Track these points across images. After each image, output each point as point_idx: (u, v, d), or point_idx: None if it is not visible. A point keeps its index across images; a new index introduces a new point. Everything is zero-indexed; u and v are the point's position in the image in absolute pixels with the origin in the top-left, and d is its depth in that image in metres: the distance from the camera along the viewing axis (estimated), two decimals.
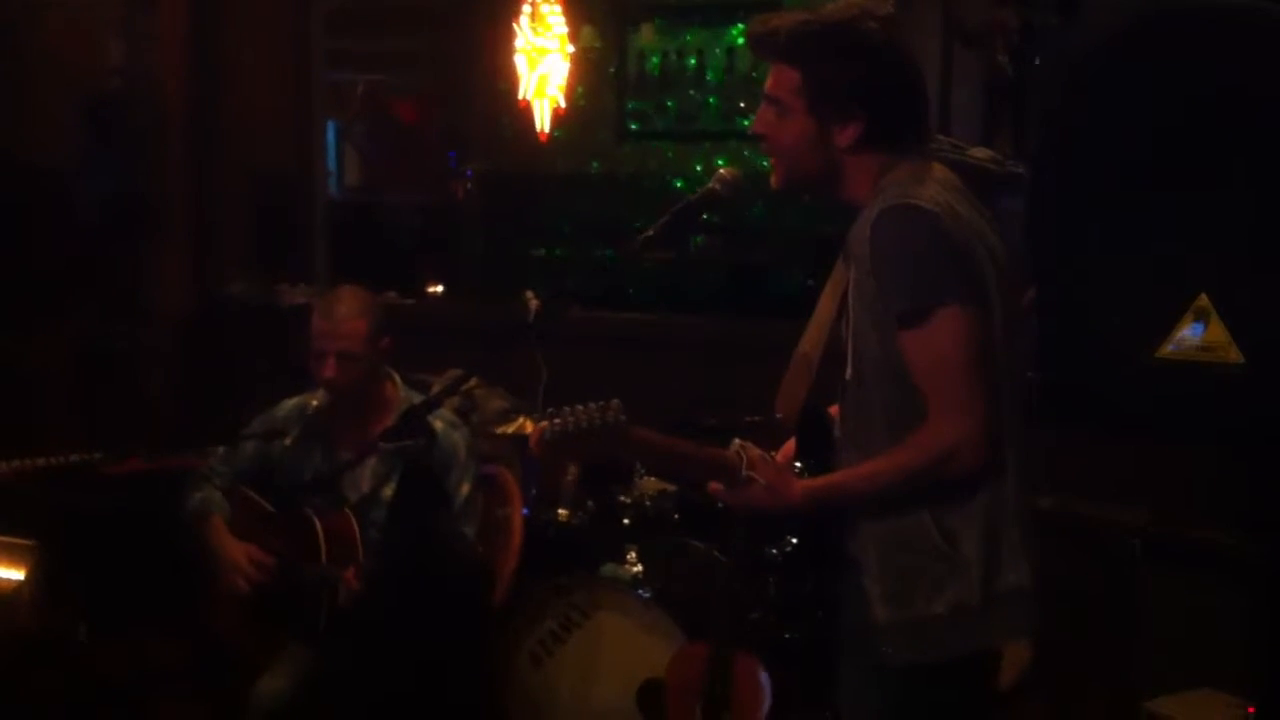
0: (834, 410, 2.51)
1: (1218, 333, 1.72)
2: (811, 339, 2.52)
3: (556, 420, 2.17)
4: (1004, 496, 2.30)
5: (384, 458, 3.46)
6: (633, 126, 6.72)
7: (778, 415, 2.53)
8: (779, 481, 2.32)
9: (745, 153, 6.42)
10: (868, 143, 2.34)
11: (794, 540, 2.53)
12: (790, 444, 2.55)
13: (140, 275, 5.70)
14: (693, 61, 6.60)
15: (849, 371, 2.35)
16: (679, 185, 6.36)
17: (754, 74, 6.54)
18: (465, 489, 3.53)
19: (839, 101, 2.33)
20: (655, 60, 6.67)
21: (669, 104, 6.66)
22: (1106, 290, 2.14)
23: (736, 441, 2.36)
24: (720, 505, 2.68)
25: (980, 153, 2.48)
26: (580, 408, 2.17)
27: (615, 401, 2.18)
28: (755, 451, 2.34)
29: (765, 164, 2.48)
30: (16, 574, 3.77)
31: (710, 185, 2.56)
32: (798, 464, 2.46)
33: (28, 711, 4.02)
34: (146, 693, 4.40)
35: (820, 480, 2.37)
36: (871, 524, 2.34)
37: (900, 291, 2.24)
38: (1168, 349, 1.77)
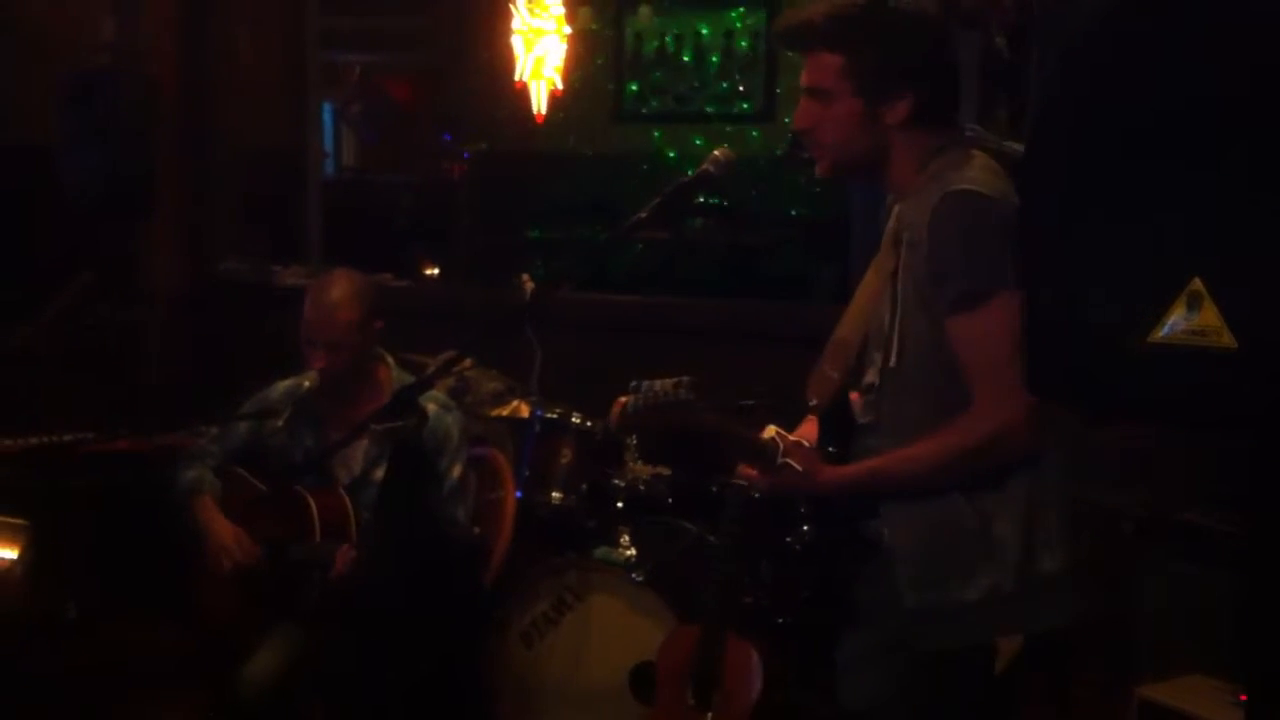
0: (853, 397, 2.52)
1: (1211, 317, 1.70)
2: (850, 324, 2.51)
3: (637, 395, 2.24)
4: (1044, 482, 2.30)
5: (376, 440, 3.46)
6: (629, 109, 6.72)
7: (811, 401, 2.52)
8: (813, 467, 2.34)
9: (740, 135, 6.42)
10: (916, 121, 2.35)
11: (815, 525, 2.55)
12: (810, 428, 2.54)
13: (133, 255, 5.68)
14: (690, 44, 6.59)
15: (892, 357, 2.35)
16: (675, 167, 6.35)
17: (754, 54, 6.54)
18: (456, 471, 3.53)
19: (887, 79, 2.34)
20: (652, 43, 6.66)
21: (666, 86, 6.65)
22: (1099, 273, 2.13)
23: (772, 427, 2.38)
24: (725, 486, 2.69)
25: (1016, 145, 2.49)
26: (657, 383, 2.24)
27: (686, 379, 2.23)
28: (791, 438, 2.36)
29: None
30: (8, 553, 3.76)
31: (704, 167, 2.55)
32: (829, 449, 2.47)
33: (17, 690, 4.01)
34: (137, 671, 4.40)
35: (856, 466, 2.38)
36: (904, 507, 2.35)
37: (959, 275, 2.24)
38: (1160, 333, 1.75)
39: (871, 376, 2.44)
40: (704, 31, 6.56)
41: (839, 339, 2.52)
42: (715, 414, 2.30)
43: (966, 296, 2.24)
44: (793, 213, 6.42)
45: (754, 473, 2.41)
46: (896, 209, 2.46)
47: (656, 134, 6.73)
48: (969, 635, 2.31)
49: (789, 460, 2.33)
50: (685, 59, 6.59)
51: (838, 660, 2.66)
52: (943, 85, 2.40)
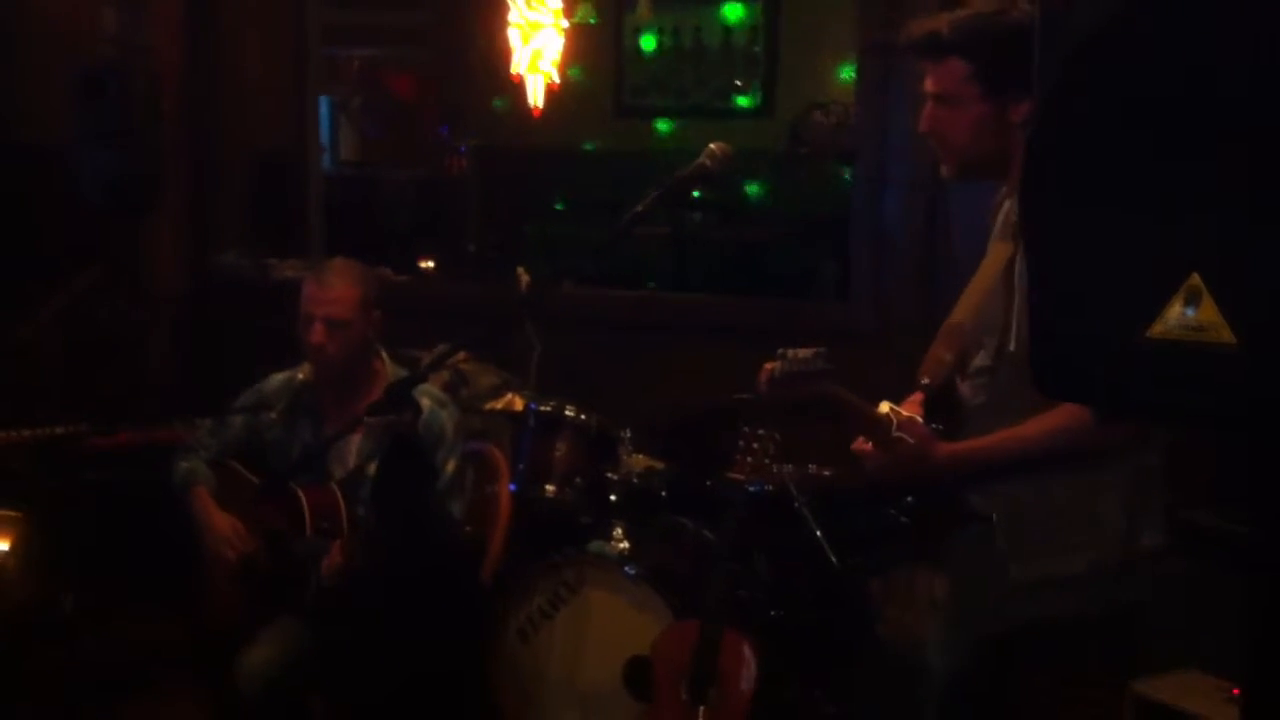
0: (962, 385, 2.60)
1: (1210, 313, 1.69)
2: (966, 310, 2.59)
3: (783, 362, 2.34)
4: (1149, 460, 2.41)
5: (370, 435, 3.45)
6: (628, 103, 6.71)
7: (924, 380, 2.60)
8: (927, 442, 2.44)
9: (740, 130, 6.41)
10: None
11: (918, 496, 2.62)
12: (914, 407, 2.62)
13: (135, 250, 5.67)
14: (688, 39, 6.58)
15: (1011, 342, 2.41)
16: (674, 162, 6.34)
17: (754, 49, 6.53)
18: (451, 466, 3.52)
19: (1014, 82, 2.41)
20: (651, 37, 6.65)
21: (664, 81, 6.64)
22: (1098, 270, 2.13)
23: (886, 404, 2.48)
24: (727, 487, 2.71)
25: None
26: (801, 352, 2.35)
27: (824, 350, 2.36)
28: (905, 414, 2.46)
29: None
30: (2, 545, 3.76)
31: (700, 160, 2.58)
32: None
33: (14, 683, 4.01)
34: (135, 665, 4.40)
35: (972, 443, 2.47)
36: (1010, 483, 2.43)
37: None
38: (1159, 330, 1.75)
39: (982, 360, 2.53)
40: (703, 26, 6.55)
41: (953, 323, 2.61)
42: (841, 387, 2.40)
43: None
44: (792, 208, 6.41)
45: (869, 447, 2.49)
46: (1010, 203, 2.54)
47: (655, 129, 6.72)
48: (1071, 608, 2.41)
49: (904, 435, 2.42)
50: (684, 54, 6.59)
51: (886, 630, 2.77)
52: None
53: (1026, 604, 2.42)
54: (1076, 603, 2.40)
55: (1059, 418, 2.35)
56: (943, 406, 2.56)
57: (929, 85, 2.51)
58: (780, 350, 2.36)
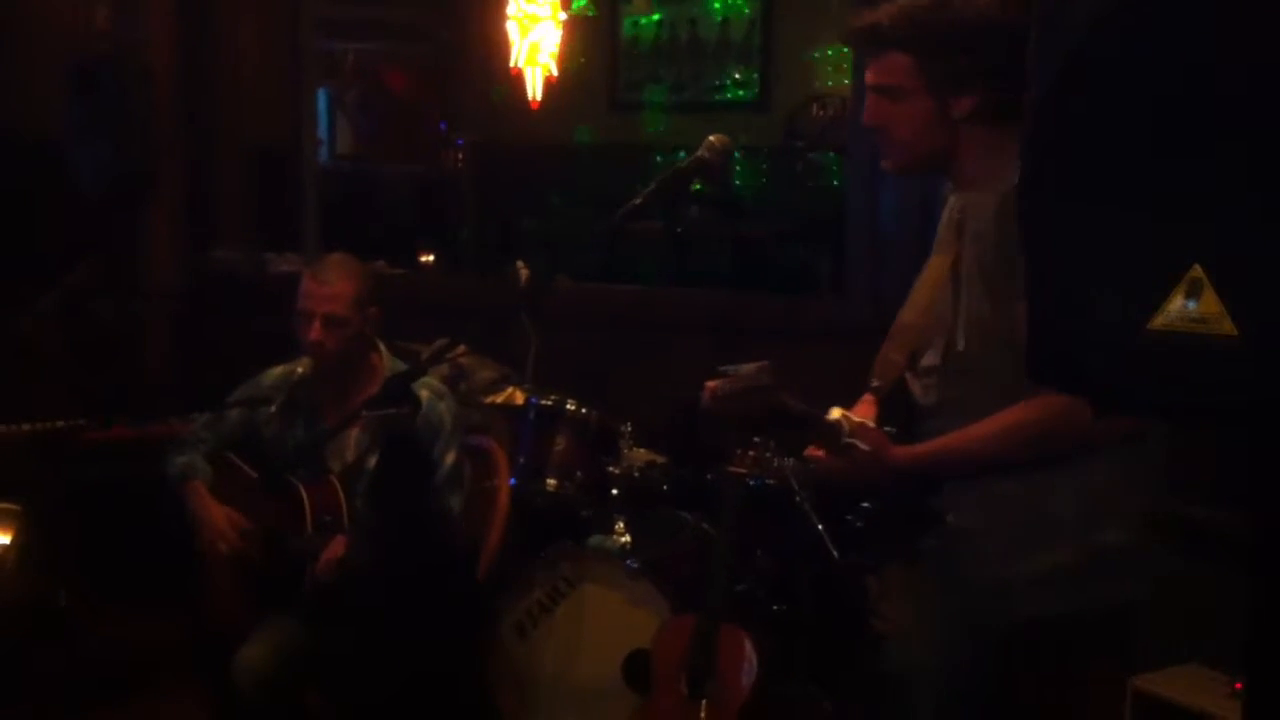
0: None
1: (1211, 304, 1.69)
2: (914, 309, 2.57)
3: (725, 380, 2.34)
4: (1107, 460, 2.36)
5: (368, 427, 3.44)
6: (626, 97, 6.70)
7: (875, 382, 2.60)
8: (880, 447, 2.41)
9: (739, 124, 6.39)
10: (982, 115, 2.41)
11: (877, 501, 2.60)
12: (867, 409, 2.62)
13: (132, 244, 5.67)
14: (685, 32, 6.58)
15: (959, 342, 2.40)
16: (672, 155, 6.33)
17: (750, 42, 6.52)
18: (450, 459, 3.52)
19: (958, 75, 2.40)
20: (648, 31, 6.64)
21: (662, 75, 6.63)
22: (1098, 263, 2.12)
23: (837, 409, 2.45)
24: (726, 480, 2.72)
25: None
26: (742, 368, 2.35)
27: (767, 364, 2.35)
28: (856, 419, 2.44)
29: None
30: (1, 539, 3.75)
31: (698, 153, 2.56)
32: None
33: (11, 678, 4.01)
34: (131, 660, 4.40)
35: (922, 446, 2.44)
36: (967, 485, 2.41)
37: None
38: (1160, 321, 1.74)
39: (932, 360, 2.50)
40: (698, 19, 6.54)
41: (903, 323, 2.59)
42: (787, 397, 2.39)
43: None
44: (789, 203, 6.41)
45: (821, 454, 2.48)
46: (954, 200, 2.53)
47: (653, 122, 6.71)
48: (1031, 608, 2.37)
49: (855, 440, 2.40)
50: (681, 47, 6.57)
51: (895, 629, 2.70)
52: (1010, 80, 2.44)
53: (989, 606, 2.39)
54: (1037, 603, 2.37)
55: (1014, 418, 2.32)
56: (895, 408, 2.55)
57: (870, 78, 2.48)
58: (721, 367, 2.36)
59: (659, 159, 6.55)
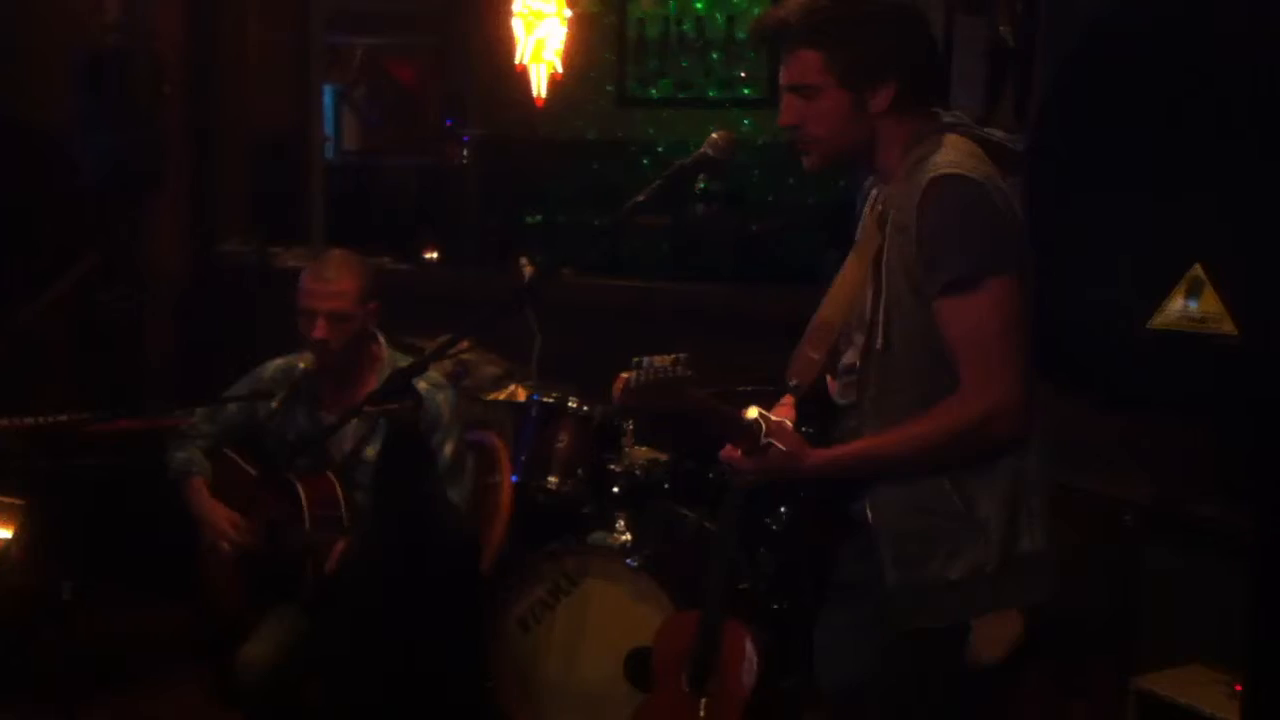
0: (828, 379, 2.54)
1: (1212, 304, 1.69)
2: (834, 306, 2.53)
3: (638, 372, 2.23)
4: (1027, 463, 2.33)
5: (366, 417, 3.44)
6: (632, 93, 6.69)
7: (792, 382, 2.55)
8: (798, 448, 2.36)
9: (744, 121, 6.39)
10: (899, 107, 2.37)
11: (792, 506, 2.54)
12: (787, 409, 2.56)
13: (137, 234, 5.67)
14: (691, 28, 6.57)
15: (878, 339, 2.36)
16: (678, 151, 6.32)
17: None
18: (450, 449, 3.51)
19: (870, 67, 2.36)
20: (654, 27, 6.64)
21: (668, 71, 6.62)
22: (1101, 261, 2.13)
23: (755, 408, 2.39)
24: (723, 472, 2.70)
25: (997, 132, 2.49)
26: (656, 360, 2.23)
27: (684, 356, 2.23)
28: (774, 419, 2.37)
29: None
30: (3, 533, 3.75)
31: (702, 149, 2.55)
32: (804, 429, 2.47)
33: (15, 670, 4.01)
34: (136, 653, 4.40)
35: (842, 448, 2.40)
36: (888, 488, 2.37)
37: (950, 259, 2.26)
38: (1161, 320, 1.75)
39: (851, 358, 2.46)
40: (706, 15, 6.53)
41: (821, 320, 2.55)
42: (704, 393, 2.30)
43: (957, 282, 2.25)
44: (795, 197, 6.40)
45: (738, 454, 2.41)
46: (876, 193, 2.50)
47: (659, 119, 6.70)
48: (950, 614, 2.34)
49: (773, 441, 2.34)
50: (687, 43, 6.57)
51: (816, 641, 2.69)
52: (923, 70, 2.43)
53: (905, 612, 2.36)
54: (955, 608, 2.33)
55: (937, 419, 2.29)
56: (813, 408, 2.52)
57: (783, 77, 2.43)
58: (636, 359, 2.27)
59: (664, 154, 6.55)
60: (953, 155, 2.30)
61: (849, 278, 2.51)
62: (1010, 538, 2.31)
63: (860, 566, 2.45)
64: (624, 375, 2.26)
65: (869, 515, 2.39)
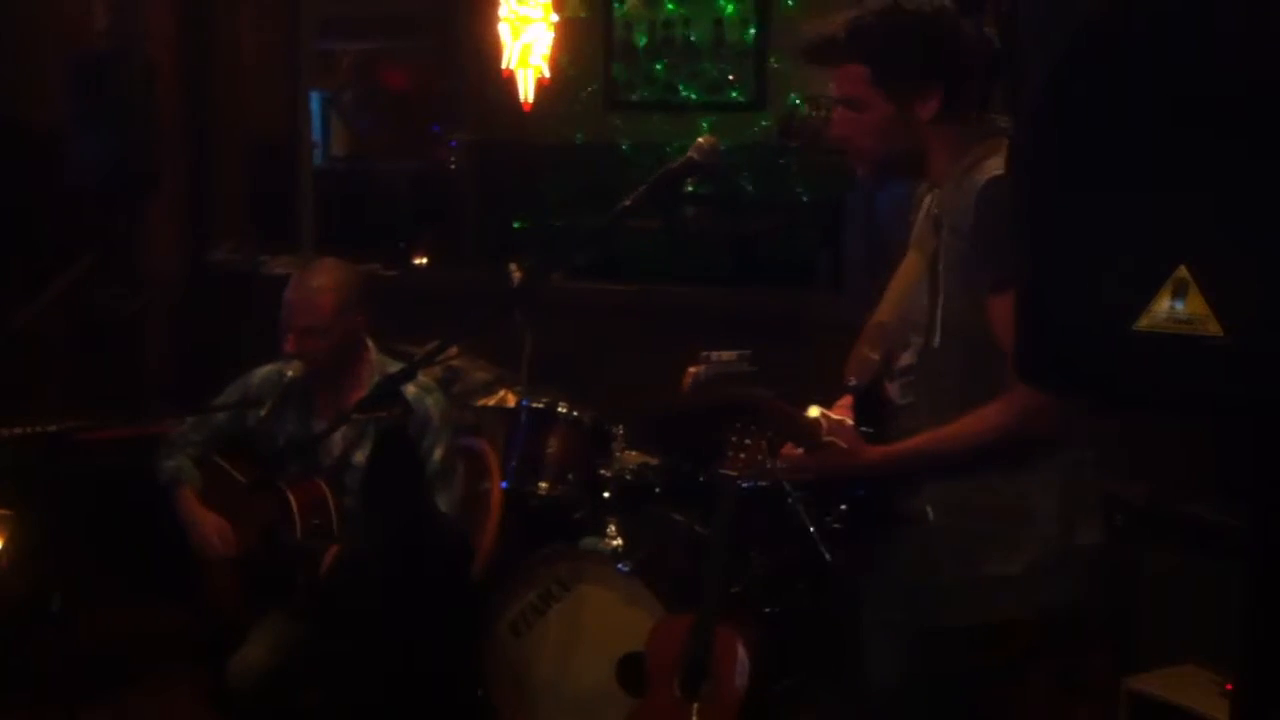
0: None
1: (1198, 305, 1.68)
2: (890, 307, 2.57)
3: (707, 365, 2.30)
4: (1082, 458, 2.38)
5: (355, 423, 3.43)
6: (619, 97, 6.69)
7: (850, 381, 2.59)
8: (857, 446, 2.41)
9: (732, 123, 6.38)
10: (947, 114, 2.41)
11: (852, 505, 2.58)
12: (844, 409, 2.60)
13: (131, 237, 5.67)
14: (679, 31, 6.57)
15: (935, 338, 2.39)
16: (666, 155, 6.32)
17: (745, 42, 6.52)
18: (439, 454, 3.51)
19: (915, 77, 2.39)
20: (641, 30, 6.64)
21: (656, 73, 6.62)
22: (1086, 262, 2.12)
23: (816, 407, 2.45)
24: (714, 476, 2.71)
25: None
26: (723, 355, 2.31)
27: (747, 352, 2.31)
28: (835, 417, 2.43)
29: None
30: None
31: (688, 154, 2.56)
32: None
33: (16, 670, 4.00)
34: (129, 660, 4.39)
35: (899, 444, 2.44)
36: (944, 484, 2.40)
37: (1002, 258, 2.24)
38: (1145, 323, 1.74)
39: (909, 359, 2.49)
40: (693, 19, 6.53)
41: (877, 321, 2.59)
42: (769, 390, 2.37)
43: (1009, 279, 2.27)
44: (786, 199, 6.40)
45: (798, 452, 2.46)
46: (930, 197, 2.52)
47: (648, 122, 6.70)
48: (1008, 610, 2.37)
49: (834, 439, 2.39)
50: (675, 46, 6.57)
51: (864, 638, 2.69)
52: (968, 76, 2.45)
53: (962, 605, 2.38)
54: (1013, 603, 2.36)
55: (990, 415, 2.32)
56: (871, 408, 2.55)
57: (833, 90, 2.47)
58: (703, 353, 2.33)
59: (653, 157, 6.55)
60: (1004, 158, 2.33)
61: (904, 280, 2.55)
62: (1067, 533, 2.35)
63: (914, 564, 2.46)
64: (692, 369, 2.32)
65: (929, 512, 2.42)
